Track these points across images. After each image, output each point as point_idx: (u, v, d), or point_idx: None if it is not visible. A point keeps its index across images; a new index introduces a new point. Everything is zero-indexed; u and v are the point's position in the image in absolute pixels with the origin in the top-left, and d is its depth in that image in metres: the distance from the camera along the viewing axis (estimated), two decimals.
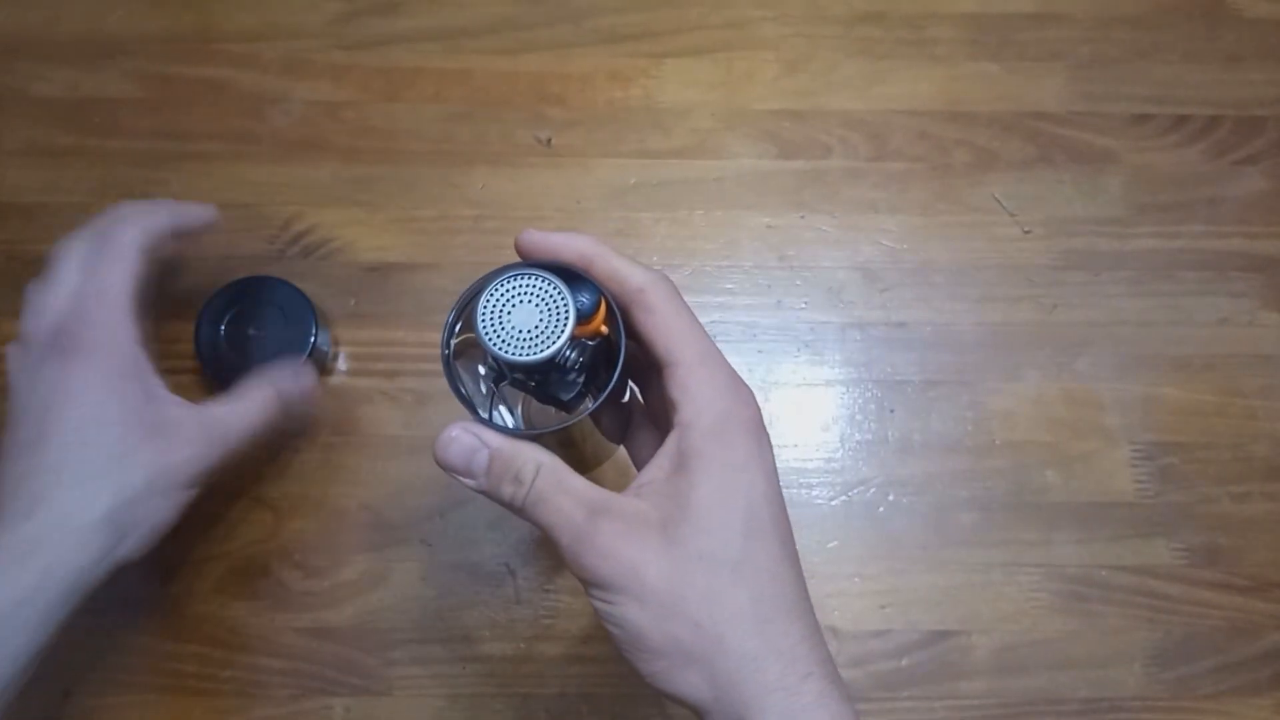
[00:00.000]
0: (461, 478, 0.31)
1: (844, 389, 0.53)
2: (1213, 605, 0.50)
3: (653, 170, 0.57)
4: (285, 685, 0.48)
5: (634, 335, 0.32)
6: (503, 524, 0.50)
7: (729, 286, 0.55)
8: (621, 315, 0.32)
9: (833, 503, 0.51)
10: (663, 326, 0.31)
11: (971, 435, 0.52)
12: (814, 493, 0.51)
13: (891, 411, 0.53)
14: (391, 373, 0.52)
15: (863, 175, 0.57)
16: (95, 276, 0.40)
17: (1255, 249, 0.56)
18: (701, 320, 0.54)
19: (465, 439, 0.31)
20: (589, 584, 0.29)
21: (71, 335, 0.39)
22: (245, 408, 0.43)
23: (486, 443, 0.31)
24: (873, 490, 0.51)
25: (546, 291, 0.31)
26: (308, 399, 0.47)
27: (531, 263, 0.32)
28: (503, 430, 0.31)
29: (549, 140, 0.57)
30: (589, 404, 0.32)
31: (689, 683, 0.28)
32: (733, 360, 0.52)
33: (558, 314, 0.31)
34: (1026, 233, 0.56)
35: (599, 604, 0.29)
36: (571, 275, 0.32)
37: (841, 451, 0.52)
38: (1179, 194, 0.57)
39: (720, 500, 0.29)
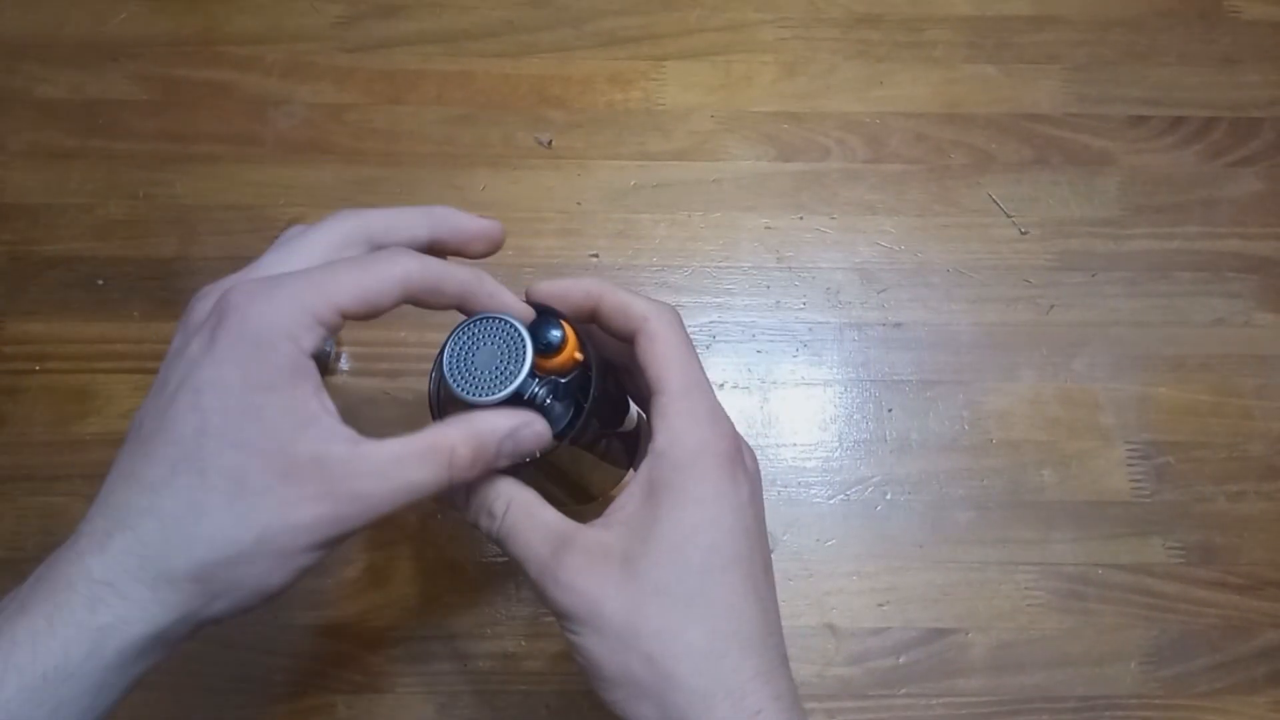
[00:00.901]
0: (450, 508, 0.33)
1: (842, 389, 0.53)
2: (1208, 604, 0.50)
3: (652, 172, 0.57)
4: (286, 682, 0.48)
5: (635, 364, 0.33)
6: None
7: (728, 287, 0.55)
8: (630, 344, 0.33)
9: (831, 502, 0.52)
10: (659, 355, 0.32)
11: (968, 435, 0.53)
12: (812, 492, 0.52)
13: (889, 411, 0.53)
14: (394, 373, 0.53)
15: (861, 177, 0.57)
16: (324, 271, 0.30)
17: (1251, 250, 0.56)
18: (701, 320, 0.55)
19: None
20: (554, 614, 0.30)
21: (231, 311, 0.28)
22: (419, 464, 0.30)
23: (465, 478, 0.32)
24: (870, 489, 0.52)
25: (505, 332, 0.32)
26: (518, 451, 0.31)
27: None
28: None
29: (550, 142, 0.58)
30: (568, 438, 0.33)
31: (642, 714, 0.29)
32: (731, 360, 0.53)
33: (516, 353, 0.32)
34: (1023, 234, 0.56)
35: (564, 633, 0.30)
36: (546, 313, 0.33)
37: (839, 451, 0.52)
38: (1175, 195, 0.57)
39: (682, 534, 0.30)
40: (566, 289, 0.33)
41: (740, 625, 0.30)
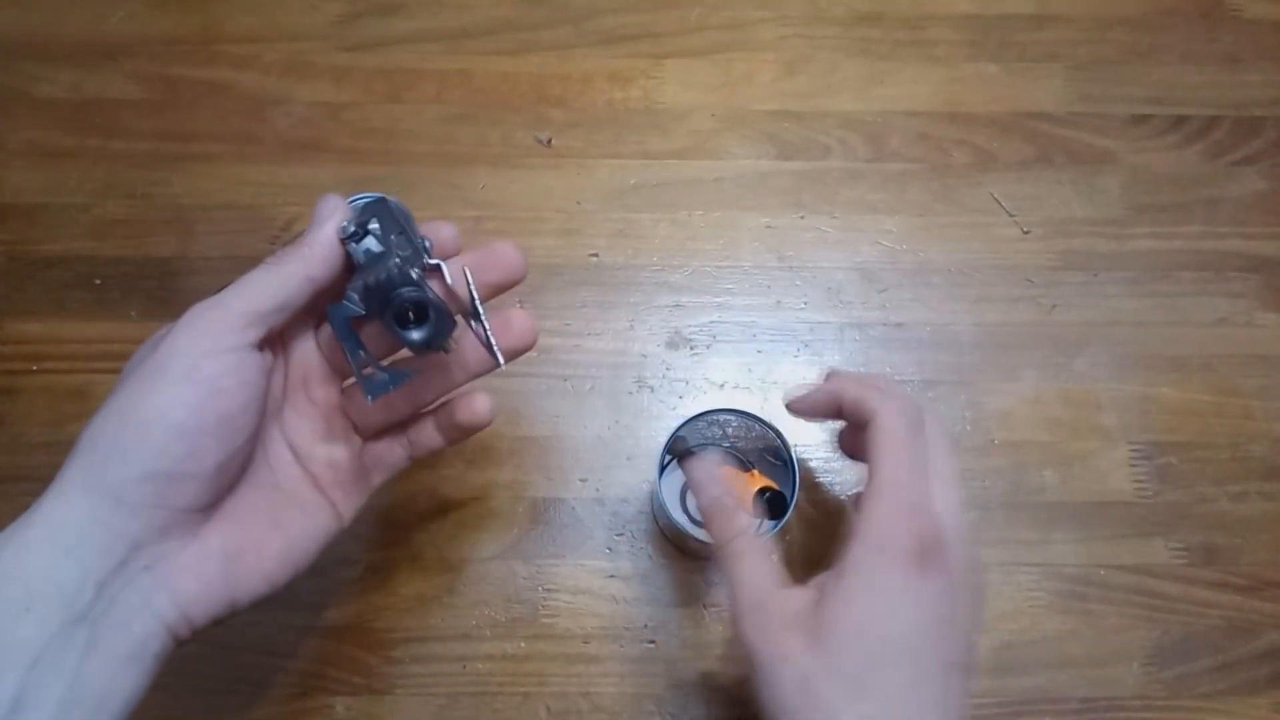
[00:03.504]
0: (702, 494, 0.38)
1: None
2: (1211, 604, 0.50)
3: (652, 171, 0.57)
4: (286, 684, 0.48)
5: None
6: (502, 524, 0.50)
7: (728, 287, 0.55)
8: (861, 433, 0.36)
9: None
10: (877, 446, 0.34)
11: (970, 435, 0.52)
12: (796, 495, 0.52)
13: None
14: None
15: (862, 176, 0.57)
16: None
17: (1253, 249, 0.56)
18: (701, 320, 0.55)
19: (717, 474, 0.38)
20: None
21: None
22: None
23: (726, 490, 0.37)
24: None
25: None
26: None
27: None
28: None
29: (549, 141, 0.57)
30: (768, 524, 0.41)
31: None
32: (732, 360, 0.53)
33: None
34: (1025, 233, 0.56)
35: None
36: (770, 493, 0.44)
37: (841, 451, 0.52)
38: (1177, 195, 0.57)
39: (859, 619, 0.32)
40: (813, 401, 0.39)
41: (902, 711, 0.31)
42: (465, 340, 0.36)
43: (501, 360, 0.36)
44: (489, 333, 0.36)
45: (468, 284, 0.36)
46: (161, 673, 0.49)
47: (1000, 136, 0.58)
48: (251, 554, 0.35)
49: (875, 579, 0.32)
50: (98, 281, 0.54)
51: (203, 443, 0.32)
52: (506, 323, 0.38)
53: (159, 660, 0.32)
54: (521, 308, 0.38)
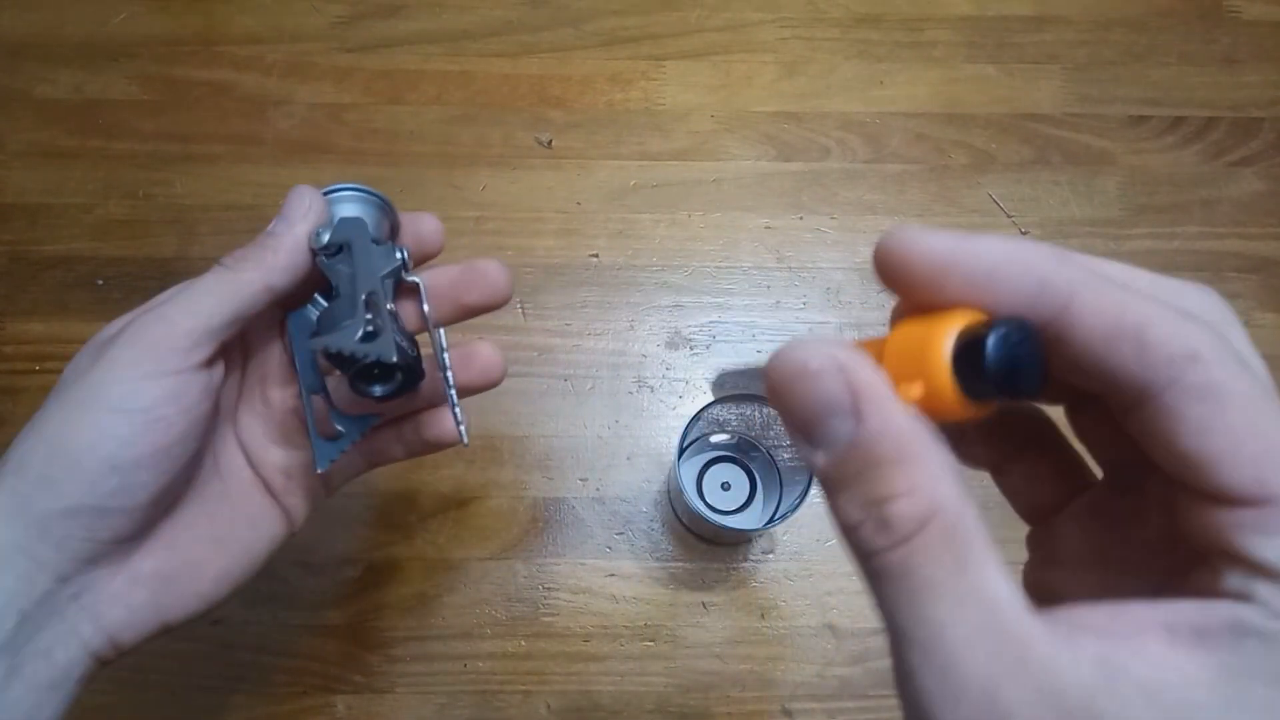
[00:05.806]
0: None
1: None
2: None
3: (652, 172, 0.57)
4: (288, 683, 0.48)
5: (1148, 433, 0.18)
6: (503, 524, 0.50)
7: (728, 287, 0.55)
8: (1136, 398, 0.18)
9: None
10: (1231, 428, 0.16)
11: None
12: (812, 492, 0.52)
13: None
14: None
15: (861, 177, 0.57)
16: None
17: (1251, 250, 0.56)
18: (700, 320, 0.55)
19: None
20: None
21: None
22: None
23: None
24: None
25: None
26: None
27: None
28: None
29: (550, 142, 0.58)
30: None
31: None
32: (731, 360, 0.53)
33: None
34: (1024, 234, 0.56)
35: None
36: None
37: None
38: (1175, 195, 0.57)
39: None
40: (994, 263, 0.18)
41: None
42: (428, 365, 0.34)
43: (466, 440, 0.34)
44: (456, 406, 0.33)
45: (442, 349, 0.33)
46: (162, 671, 0.49)
47: (998, 137, 0.58)
48: (187, 577, 0.32)
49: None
50: (99, 282, 0.54)
51: (136, 477, 0.29)
52: (469, 358, 0.35)
53: (81, 684, 0.31)
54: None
